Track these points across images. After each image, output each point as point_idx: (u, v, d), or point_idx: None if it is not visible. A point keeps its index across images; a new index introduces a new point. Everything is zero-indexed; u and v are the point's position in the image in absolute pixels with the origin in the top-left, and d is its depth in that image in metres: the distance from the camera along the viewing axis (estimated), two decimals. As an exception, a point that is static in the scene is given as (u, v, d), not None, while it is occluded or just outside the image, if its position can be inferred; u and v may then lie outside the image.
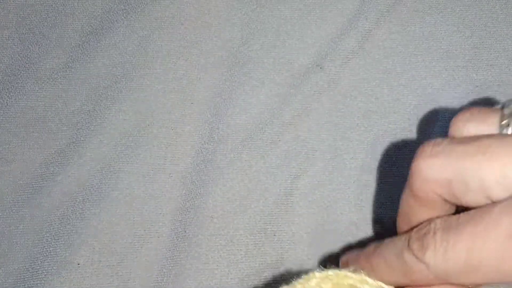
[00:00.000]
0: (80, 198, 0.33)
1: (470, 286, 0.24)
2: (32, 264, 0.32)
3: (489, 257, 0.22)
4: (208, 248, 0.33)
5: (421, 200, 0.25)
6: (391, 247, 0.25)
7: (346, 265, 0.28)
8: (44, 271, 0.32)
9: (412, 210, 0.26)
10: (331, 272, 0.26)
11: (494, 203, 0.23)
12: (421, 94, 0.35)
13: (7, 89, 0.36)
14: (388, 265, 0.25)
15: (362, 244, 0.32)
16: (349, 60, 0.36)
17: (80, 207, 0.33)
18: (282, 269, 0.32)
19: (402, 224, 0.27)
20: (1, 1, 0.38)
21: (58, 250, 0.32)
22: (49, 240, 0.33)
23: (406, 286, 0.25)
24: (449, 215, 0.25)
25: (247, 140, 0.35)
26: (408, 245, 0.24)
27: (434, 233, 0.23)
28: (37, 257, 0.32)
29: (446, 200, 0.25)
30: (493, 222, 0.22)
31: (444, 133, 0.34)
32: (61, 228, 0.33)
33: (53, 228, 0.33)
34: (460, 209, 0.25)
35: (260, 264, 0.32)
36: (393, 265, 0.25)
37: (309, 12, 0.37)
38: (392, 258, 0.25)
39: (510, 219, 0.22)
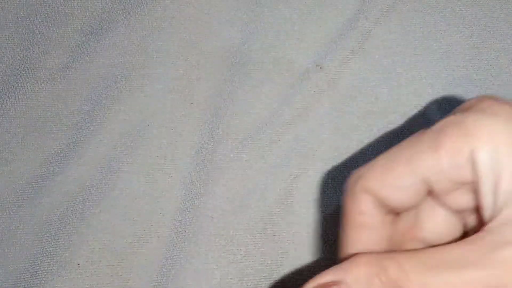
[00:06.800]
0: (80, 198, 0.33)
1: None
2: (32, 264, 0.32)
3: None
4: (208, 248, 0.33)
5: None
6: None
7: None
8: (44, 271, 0.32)
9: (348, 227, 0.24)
10: None
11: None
12: (421, 94, 0.35)
13: (7, 89, 0.36)
14: None
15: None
16: (349, 60, 0.36)
17: (80, 207, 0.33)
18: (282, 269, 0.32)
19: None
20: (1, 1, 0.38)
21: (58, 250, 0.32)
22: (49, 240, 0.33)
23: None
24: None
25: (247, 140, 0.35)
26: None
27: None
28: (37, 257, 0.32)
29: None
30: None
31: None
32: (61, 228, 0.33)
33: (53, 228, 0.33)
34: None
35: (260, 264, 0.32)
36: None
37: (309, 12, 0.37)
38: None
39: None
